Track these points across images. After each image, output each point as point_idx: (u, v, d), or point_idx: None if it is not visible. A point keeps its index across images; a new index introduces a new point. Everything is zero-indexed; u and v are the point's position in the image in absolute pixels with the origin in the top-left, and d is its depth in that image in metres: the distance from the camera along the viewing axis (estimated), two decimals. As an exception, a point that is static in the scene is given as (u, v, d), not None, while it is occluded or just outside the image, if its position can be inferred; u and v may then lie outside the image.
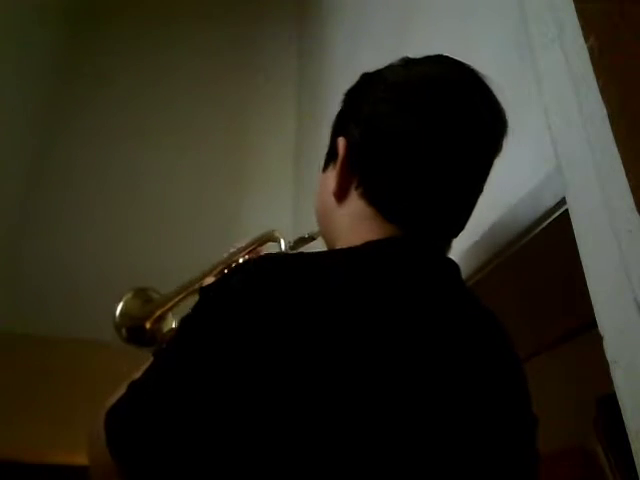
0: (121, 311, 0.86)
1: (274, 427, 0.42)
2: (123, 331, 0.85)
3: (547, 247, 0.78)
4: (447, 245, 0.64)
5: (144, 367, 0.54)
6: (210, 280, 0.78)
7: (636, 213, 0.54)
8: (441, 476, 0.45)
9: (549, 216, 0.71)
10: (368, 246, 0.56)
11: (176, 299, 0.86)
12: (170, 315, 0.87)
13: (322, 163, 0.70)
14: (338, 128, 0.67)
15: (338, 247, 0.61)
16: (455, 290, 0.58)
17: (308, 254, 0.54)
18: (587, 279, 0.62)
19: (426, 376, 0.48)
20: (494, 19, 0.96)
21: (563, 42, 0.68)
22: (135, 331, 0.85)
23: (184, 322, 0.51)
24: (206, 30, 2.68)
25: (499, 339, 0.57)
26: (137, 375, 0.52)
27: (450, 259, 0.62)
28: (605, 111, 0.59)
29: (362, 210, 0.61)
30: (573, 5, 0.66)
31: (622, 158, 0.57)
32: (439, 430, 0.46)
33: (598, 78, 0.61)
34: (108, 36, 2.53)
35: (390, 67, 0.65)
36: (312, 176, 2.27)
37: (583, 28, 0.64)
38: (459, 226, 0.64)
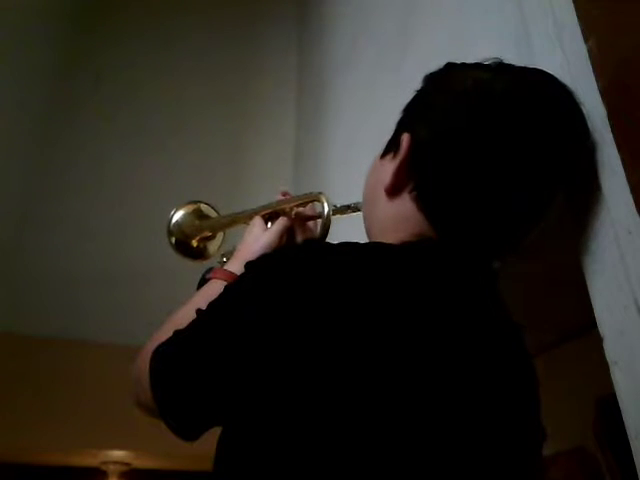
0: (176, 220, 0.97)
1: (301, 400, 0.45)
2: (172, 239, 0.96)
3: (547, 248, 0.78)
4: (489, 259, 0.61)
5: (191, 305, 0.61)
6: (258, 220, 0.84)
7: (636, 214, 0.54)
8: (447, 473, 0.45)
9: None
10: (411, 246, 0.56)
11: (224, 226, 0.97)
12: (219, 235, 0.97)
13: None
14: (406, 120, 0.64)
15: (374, 236, 0.63)
16: (485, 298, 0.56)
17: (354, 246, 0.53)
18: (587, 280, 0.62)
19: (447, 378, 0.48)
20: (494, 20, 0.96)
21: (563, 42, 0.68)
22: (182, 244, 0.96)
23: (233, 290, 0.55)
24: (206, 29, 2.68)
25: (520, 351, 0.57)
26: (182, 315, 0.60)
27: (489, 268, 0.60)
28: (605, 111, 0.59)
29: (411, 212, 0.59)
30: (573, 5, 0.66)
31: (622, 158, 0.57)
32: (455, 429, 0.47)
33: (598, 78, 0.61)
34: (108, 36, 2.53)
35: (477, 67, 0.60)
36: (312, 176, 2.27)
37: (583, 28, 0.64)
38: (507, 250, 0.62)
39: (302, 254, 0.53)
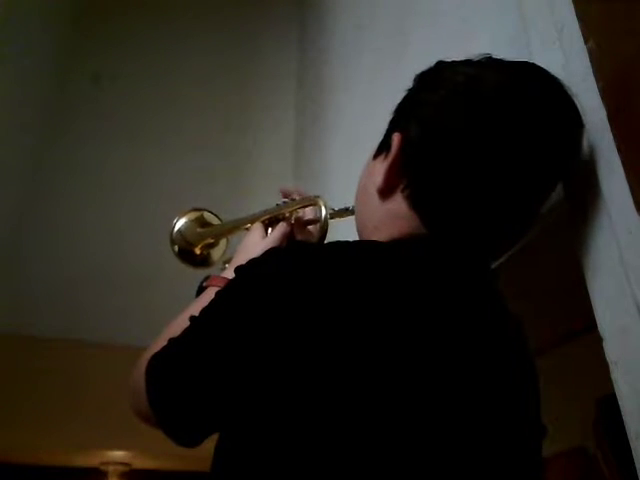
0: (179, 228, 0.97)
1: (296, 400, 0.45)
2: (175, 248, 0.97)
3: (547, 248, 0.78)
4: (483, 256, 0.61)
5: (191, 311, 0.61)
6: (257, 226, 0.85)
7: (636, 214, 0.54)
8: (443, 472, 0.45)
9: (549, 217, 0.70)
10: (403, 243, 0.56)
11: (227, 233, 0.98)
12: (222, 242, 0.98)
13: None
14: (398, 119, 0.64)
15: (366, 236, 0.63)
16: (479, 294, 0.56)
17: (344, 245, 0.53)
18: (587, 280, 0.62)
19: (442, 374, 0.48)
20: (494, 20, 0.96)
21: (563, 43, 0.68)
22: (185, 252, 0.97)
23: (224, 294, 0.55)
24: (206, 30, 2.68)
25: (520, 347, 0.56)
26: (179, 322, 0.60)
27: (484, 265, 0.60)
28: (605, 111, 0.59)
29: (403, 211, 0.59)
30: (573, 6, 0.66)
31: (622, 158, 0.57)
32: (451, 427, 0.46)
33: (598, 79, 0.61)
34: (108, 36, 2.53)
35: (467, 64, 0.60)
36: (312, 177, 2.27)
37: (583, 29, 0.64)
38: (503, 247, 0.62)
39: (290, 256, 0.53)
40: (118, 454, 3.69)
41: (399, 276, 0.50)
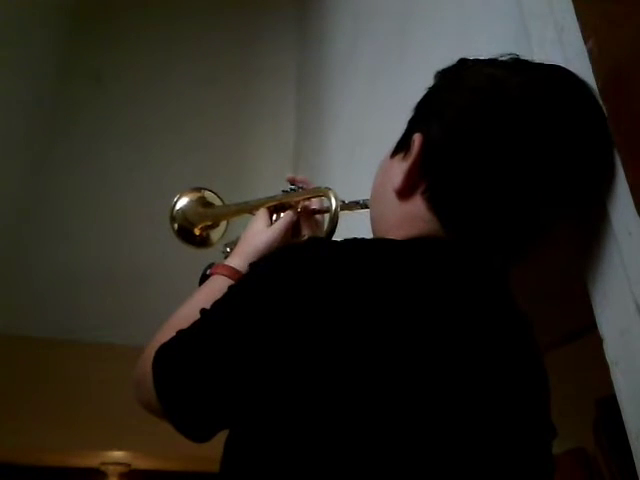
0: (180, 207, 0.96)
1: (307, 396, 0.45)
2: (175, 226, 0.96)
3: (547, 248, 0.78)
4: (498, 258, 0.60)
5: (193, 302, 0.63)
6: (262, 212, 0.82)
7: (636, 214, 0.53)
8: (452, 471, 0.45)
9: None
10: (420, 242, 0.56)
11: (228, 216, 0.96)
12: (222, 224, 0.97)
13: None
14: (418, 118, 0.62)
15: (381, 233, 0.62)
16: (491, 294, 0.56)
17: (360, 242, 0.53)
18: (587, 281, 0.62)
19: (450, 375, 0.47)
20: (494, 20, 0.96)
21: (563, 43, 0.68)
22: (185, 231, 0.96)
23: (237, 290, 0.54)
24: (206, 30, 2.68)
25: (528, 348, 0.56)
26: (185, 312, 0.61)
27: (498, 266, 0.59)
28: (605, 112, 0.59)
29: (422, 212, 0.58)
30: (573, 6, 0.66)
31: (622, 158, 0.56)
32: (459, 427, 0.46)
33: (598, 79, 0.61)
34: (108, 36, 2.53)
35: (491, 64, 0.59)
36: (311, 177, 2.27)
37: (583, 29, 0.64)
38: (518, 250, 0.61)
39: (306, 254, 0.52)
40: (118, 454, 3.68)
41: (417, 277, 0.50)
